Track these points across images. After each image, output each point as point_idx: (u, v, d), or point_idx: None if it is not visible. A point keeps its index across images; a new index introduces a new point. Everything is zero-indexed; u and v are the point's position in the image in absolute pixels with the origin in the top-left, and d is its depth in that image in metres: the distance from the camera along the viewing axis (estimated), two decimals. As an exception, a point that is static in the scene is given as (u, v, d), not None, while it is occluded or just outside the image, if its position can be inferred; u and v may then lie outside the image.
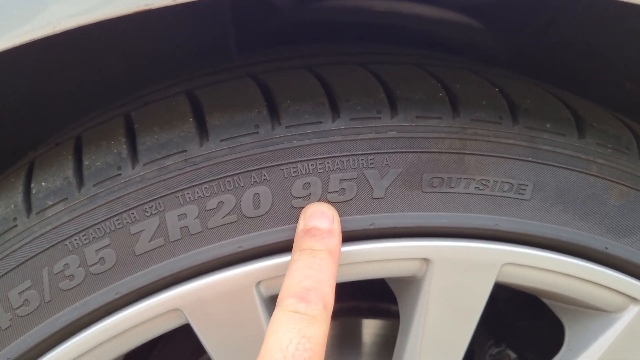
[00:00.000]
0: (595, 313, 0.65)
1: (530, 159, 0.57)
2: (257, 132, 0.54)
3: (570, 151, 0.58)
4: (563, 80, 0.77)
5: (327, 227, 0.52)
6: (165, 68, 0.81)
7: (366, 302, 0.92)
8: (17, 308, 0.55)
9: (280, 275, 0.55)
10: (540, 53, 0.86)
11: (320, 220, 0.52)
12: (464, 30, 0.87)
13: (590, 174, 0.59)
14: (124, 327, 0.56)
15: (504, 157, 0.57)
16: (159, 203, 0.54)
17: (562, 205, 0.58)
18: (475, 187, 0.57)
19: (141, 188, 0.54)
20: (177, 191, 0.54)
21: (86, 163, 0.55)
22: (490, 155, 0.56)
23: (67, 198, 0.54)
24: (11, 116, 0.75)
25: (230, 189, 0.54)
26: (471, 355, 0.90)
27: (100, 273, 0.54)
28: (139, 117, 0.58)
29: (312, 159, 0.54)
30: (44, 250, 0.54)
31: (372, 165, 0.55)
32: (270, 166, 0.54)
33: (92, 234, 0.54)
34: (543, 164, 0.57)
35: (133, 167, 0.54)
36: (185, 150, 0.54)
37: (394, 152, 0.55)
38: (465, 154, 0.56)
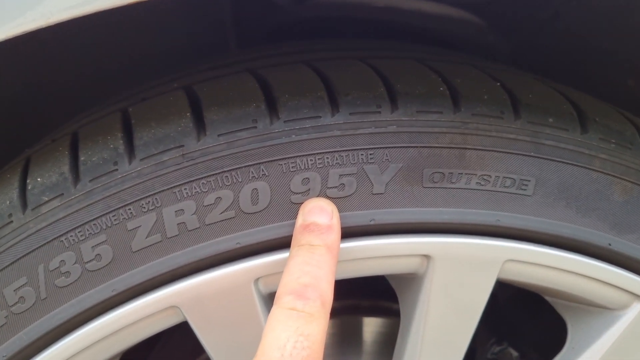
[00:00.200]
0: (597, 311, 0.64)
1: (532, 154, 0.57)
2: (255, 127, 0.53)
3: (573, 146, 0.58)
4: (566, 77, 0.77)
5: (326, 223, 0.51)
6: (163, 65, 0.80)
7: (366, 300, 0.92)
8: (13, 305, 0.54)
9: (279, 272, 0.54)
10: (543, 49, 0.86)
11: (319, 215, 0.51)
12: (464, 27, 0.87)
13: (594, 170, 0.58)
14: (121, 324, 0.55)
15: (505, 152, 0.56)
16: (156, 199, 0.53)
17: (565, 201, 0.57)
18: (477, 183, 0.56)
19: (138, 183, 0.53)
20: (174, 187, 0.53)
21: (82, 158, 0.54)
22: (492, 150, 0.56)
23: (63, 194, 0.53)
24: (7, 112, 0.75)
25: (228, 184, 0.53)
26: (473, 354, 0.89)
27: (97, 270, 0.54)
28: (136, 112, 0.57)
29: (311, 154, 0.53)
30: (40, 247, 0.54)
31: (372, 161, 0.54)
32: (268, 161, 0.53)
33: (88, 230, 0.53)
34: (545, 159, 0.57)
35: (130, 163, 0.53)
36: (182, 145, 0.53)
37: (394, 147, 0.54)
38: (466, 148, 0.55)
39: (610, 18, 0.73)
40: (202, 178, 0.53)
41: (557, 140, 0.57)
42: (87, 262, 0.53)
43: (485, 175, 0.56)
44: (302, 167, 0.54)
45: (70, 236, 0.53)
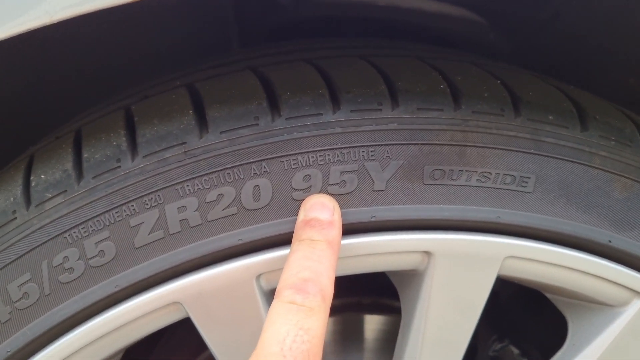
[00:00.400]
0: (598, 307, 0.64)
1: (532, 151, 0.57)
2: (257, 124, 0.54)
3: (573, 143, 0.58)
4: (567, 76, 0.77)
5: (327, 219, 0.51)
6: (166, 63, 0.80)
7: (367, 297, 0.92)
8: (17, 301, 0.55)
9: (280, 268, 0.54)
10: (544, 48, 0.86)
11: (320, 211, 0.52)
12: (465, 25, 0.87)
13: (594, 167, 0.58)
14: (124, 320, 0.56)
15: (506, 150, 0.56)
16: (158, 195, 0.53)
17: (565, 198, 0.58)
18: (477, 180, 0.56)
19: (141, 180, 0.53)
20: (176, 183, 0.53)
21: (85, 155, 0.55)
22: (492, 148, 0.56)
23: (66, 190, 0.54)
24: (11, 110, 0.75)
25: (230, 181, 0.53)
26: (474, 351, 0.90)
27: (100, 266, 0.54)
28: (139, 110, 0.58)
29: (313, 151, 0.54)
30: (43, 243, 0.54)
31: (373, 158, 0.54)
32: (270, 158, 0.54)
33: (91, 226, 0.54)
34: (546, 156, 0.57)
35: (132, 160, 0.54)
36: (184, 143, 0.53)
37: (395, 144, 0.55)
38: (467, 146, 0.56)
39: (610, 18, 0.73)
40: (204, 175, 0.53)
41: (557, 138, 0.57)
42: (91, 258, 0.54)
43: (485, 172, 0.56)
44: (304, 164, 0.54)
45: (74, 232, 0.54)
